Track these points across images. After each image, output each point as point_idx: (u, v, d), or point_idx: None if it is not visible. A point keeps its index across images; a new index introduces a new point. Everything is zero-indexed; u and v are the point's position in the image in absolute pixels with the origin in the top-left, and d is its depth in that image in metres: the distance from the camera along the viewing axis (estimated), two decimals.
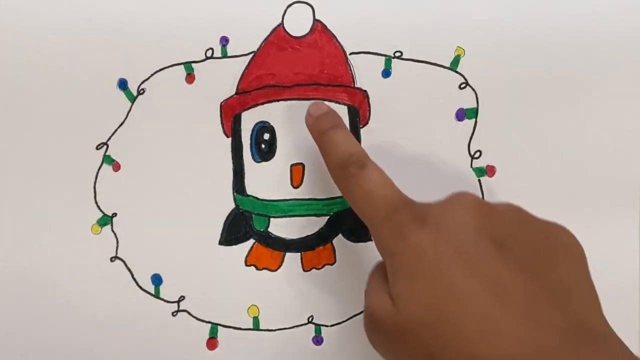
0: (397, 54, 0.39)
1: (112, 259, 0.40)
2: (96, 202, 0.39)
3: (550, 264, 0.31)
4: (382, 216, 0.33)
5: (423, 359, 0.30)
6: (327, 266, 0.41)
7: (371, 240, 0.41)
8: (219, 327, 0.41)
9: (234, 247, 0.41)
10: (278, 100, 0.39)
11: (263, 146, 0.40)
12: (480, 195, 0.41)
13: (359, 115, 0.40)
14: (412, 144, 0.40)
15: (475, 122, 0.40)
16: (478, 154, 0.41)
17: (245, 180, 0.40)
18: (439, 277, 0.30)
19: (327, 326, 0.41)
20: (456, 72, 0.40)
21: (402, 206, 0.33)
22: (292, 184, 0.40)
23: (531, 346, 0.28)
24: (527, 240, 0.31)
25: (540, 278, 0.30)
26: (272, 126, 0.40)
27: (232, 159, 0.40)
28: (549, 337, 0.28)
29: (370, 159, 0.35)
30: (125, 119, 0.39)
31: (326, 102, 0.39)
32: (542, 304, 0.29)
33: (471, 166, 0.41)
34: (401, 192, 0.34)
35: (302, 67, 0.39)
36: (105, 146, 0.39)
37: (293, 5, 0.38)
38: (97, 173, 0.39)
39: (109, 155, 0.39)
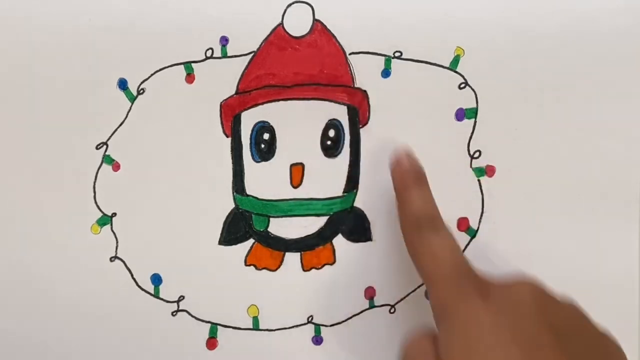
0: (397, 54, 0.39)
1: (112, 259, 0.40)
2: (96, 202, 0.39)
3: None
4: (448, 276, 0.33)
5: None
6: (326, 266, 0.41)
7: (370, 239, 0.41)
8: (219, 327, 0.41)
9: (233, 247, 0.41)
10: (278, 100, 0.39)
11: (263, 146, 0.40)
12: (480, 197, 0.41)
13: (359, 115, 0.40)
14: (412, 144, 0.40)
15: (475, 122, 0.40)
16: (478, 154, 0.41)
17: (245, 180, 0.40)
18: (495, 354, 0.30)
19: (326, 326, 0.41)
20: (456, 72, 0.40)
21: (468, 274, 0.34)
22: (291, 184, 0.40)
23: None
24: (582, 338, 0.32)
25: None
26: (271, 126, 0.40)
27: (232, 158, 0.40)
28: None
29: (444, 224, 0.36)
30: (125, 118, 0.39)
31: (328, 103, 0.39)
32: None
33: (471, 166, 0.41)
34: (468, 261, 0.35)
35: (301, 67, 0.39)
36: (105, 146, 0.39)
37: (293, 5, 0.38)
38: (97, 173, 0.39)
39: (108, 155, 0.39)
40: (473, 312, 0.31)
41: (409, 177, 0.37)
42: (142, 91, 0.39)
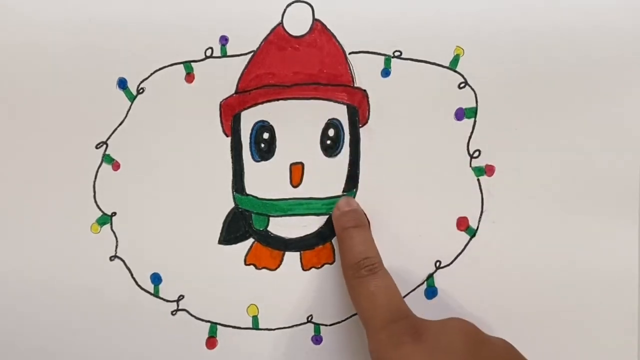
0: (397, 54, 0.39)
1: (112, 258, 0.40)
2: (95, 201, 0.39)
3: None
4: (381, 323, 0.35)
5: None
6: (326, 265, 0.41)
7: None
8: (219, 326, 0.41)
9: (233, 246, 0.41)
10: (277, 100, 0.39)
11: (262, 145, 0.40)
12: (480, 196, 0.41)
13: (359, 115, 0.40)
14: (411, 143, 0.40)
15: (475, 121, 0.40)
16: (477, 153, 0.41)
17: (245, 180, 0.40)
18: None
19: (326, 325, 0.41)
20: (455, 71, 0.40)
21: (402, 318, 0.35)
22: (291, 183, 0.40)
23: None
24: None
25: None
26: (271, 125, 0.40)
27: (232, 158, 0.40)
28: None
29: (383, 266, 0.37)
30: (125, 118, 0.39)
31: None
32: None
33: (470, 166, 0.41)
34: (405, 303, 0.36)
35: (301, 67, 0.39)
36: (104, 145, 0.39)
37: (293, 5, 0.39)
38: (97, 172, 0.39)
39: (108, 155, 0.39)
40: (404, 357, 0.33)
41: (348, 218, 0.39)
42: (141, 91, 0.39)
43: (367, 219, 0.40)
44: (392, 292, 0.36)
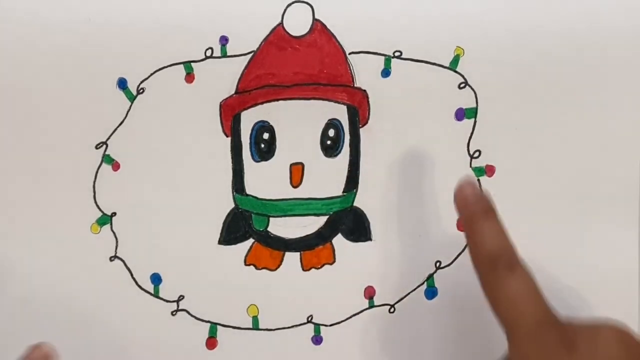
0: (397, 54, 0.39)
1: (112, 259, 0.40)
2: (95, 202, 0.39)
3: None
4: (528, 331, 0.31)
5: None
6: (326, 266, 0.41)
7: (370, 239, 0.41)
8: (219, 327, 0.41)
9: (233, 246, 0.41)
10: (277, 100, 0.39)
11: (262, 146, 0.40)
12: None
13: (359, 115, 0.40)
14: (412, 143, 0.40)
15: (475, 121, 0.41)
16: (477, 153, 0.41)
17: (245, 180, 0.40)
18: None
19: (326, 326, 0.41)
20: (455, 71, 0.40)
21: (551, 325, 0.31)
22: (291, 184, 0.40)
23: None
24: None
25: None
26: (271, 126, 0.40)
27: (232, 158, 0.40)
28: None
29: (519, 260, 0.32)
30: (125, 118, 0.39)
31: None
32: None
33: (470, 166, 0.41)
34: (549, 306, 0.31)
35: (301, 67, 0.39)
36: (104, 145, 0.39)
37: (293, 5, 0.38)
38: (97, 172, 0.39)
39: (108, 155, 0.39)
40: None
41: (476, 206, 0.33)
42: (141, 91, 0.39)
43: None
44: (537, 294, 0.31)
